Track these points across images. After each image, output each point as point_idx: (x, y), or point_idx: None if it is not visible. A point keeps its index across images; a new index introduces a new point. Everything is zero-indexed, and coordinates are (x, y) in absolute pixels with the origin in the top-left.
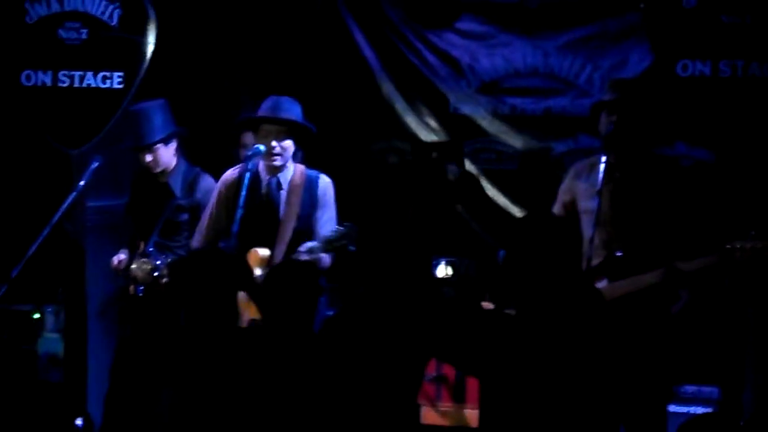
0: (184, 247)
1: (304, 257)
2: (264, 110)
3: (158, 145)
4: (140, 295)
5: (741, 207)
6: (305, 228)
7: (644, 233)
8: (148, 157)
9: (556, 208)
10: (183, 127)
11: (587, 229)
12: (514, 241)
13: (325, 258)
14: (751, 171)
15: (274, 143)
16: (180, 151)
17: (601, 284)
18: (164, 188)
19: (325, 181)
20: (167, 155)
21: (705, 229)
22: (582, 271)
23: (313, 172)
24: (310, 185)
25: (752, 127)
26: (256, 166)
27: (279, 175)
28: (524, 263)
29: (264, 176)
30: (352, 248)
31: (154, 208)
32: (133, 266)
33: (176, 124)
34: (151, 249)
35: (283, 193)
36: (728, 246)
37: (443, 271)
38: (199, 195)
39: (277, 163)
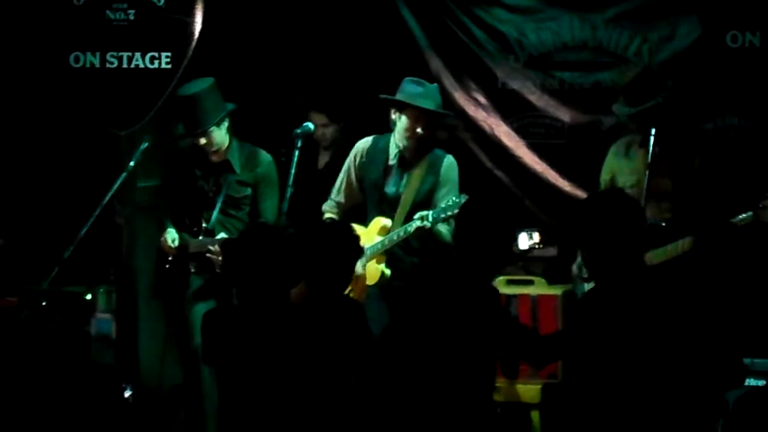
0: (243, 222)
1: (417, 224)
2: (413, 95)
3: (212, 128)
4: (194, 272)
5: None
6: (425, 202)
7: (686, 205)
8: (203, 140)
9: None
10: (232, 104)
11: None
12: (585, 219)
13: (442, 231)
14: None
15: (419, 129)
16: (231, 128)
17: None
18: (223, 165)
19: (449, 161)
20: (220, 135)
21: (748, 199)
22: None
23: (439, 151)
24: (435, 162)
25: None
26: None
27: (408, 150)
28: (599, 241)
29: (393, 149)
30: None
31: (209, 186)
32: (198, 244)
33: (225, 101)
34: (213, 226)
35: (408, 167)
36: (761, 205)
37: (526, 241)
38: (261, 169)
39: (415, 146)
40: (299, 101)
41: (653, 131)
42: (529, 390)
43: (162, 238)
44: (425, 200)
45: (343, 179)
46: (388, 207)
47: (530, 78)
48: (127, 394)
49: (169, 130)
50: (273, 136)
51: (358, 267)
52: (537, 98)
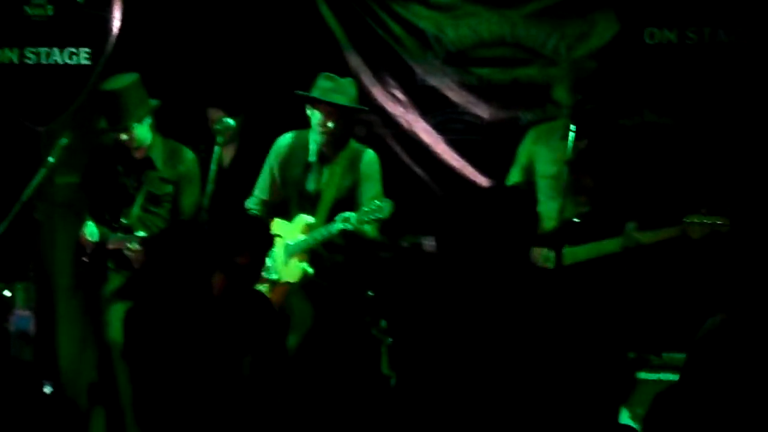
0: (164, 219)
1: (340, 226)
2: (323, 90)
3: (134, 123)
4: (112, 268)
5: (701, 178)
6: (347, 199)
7: (607, 202)
8: (125, 136)
9: (515, 171)
10: (155, 100)
11: (546, 194)
12: (472, 213)
13: (366, 228)
14: (714, 140)
15: (330, 124)
16: (154, 125)
17: (562, 249)
18: (144, 162)
19: (370, 156)
20: (143, 131)
21: (666, 199)
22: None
23: (359, 145)
24: (355, 158)
25: (718, 94)
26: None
27: (324, 145)
28: (481, 236)
29: (312, 145)
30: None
31: (131, 182)
32: (117, 240)
33: (149, 98)
34: (132, 222)
35: (327, 162)
36: (687, 220)
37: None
38: (183, 167)
39: (330, 140)
40: (217, 97)
41: (573, 127)
42: None
43: (80, 231)
44: (347, 197)
45: (266, 177)
46: (308, 204)
47: (448, 74)
48: (47, 390)
49: (91, 126)
50: (196, 132)
51: (281, 263)
52: (455, 95)
